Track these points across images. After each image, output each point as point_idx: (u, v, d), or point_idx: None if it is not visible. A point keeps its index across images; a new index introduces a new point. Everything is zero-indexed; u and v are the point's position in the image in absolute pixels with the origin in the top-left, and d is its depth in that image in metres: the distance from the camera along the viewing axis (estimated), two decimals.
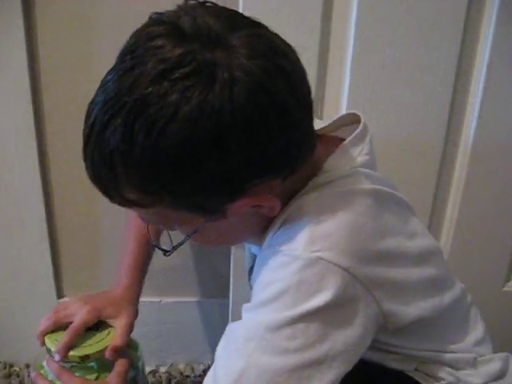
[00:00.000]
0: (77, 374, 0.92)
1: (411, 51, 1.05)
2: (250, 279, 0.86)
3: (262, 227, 0.69)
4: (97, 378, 0.94)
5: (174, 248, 0.71)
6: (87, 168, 0.61)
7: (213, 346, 1.39)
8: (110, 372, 0.94)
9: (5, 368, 1.38)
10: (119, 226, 1.17)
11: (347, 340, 0.61)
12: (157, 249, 0.76)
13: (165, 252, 0.72)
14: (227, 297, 1.25)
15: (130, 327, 0.90)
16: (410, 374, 0.74)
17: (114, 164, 0.57)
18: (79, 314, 0.86)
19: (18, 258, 1.29)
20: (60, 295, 1.34)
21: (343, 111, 1.06)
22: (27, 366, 1.39)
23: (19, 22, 1.05)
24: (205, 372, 1.38)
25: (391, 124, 1.10)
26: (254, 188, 0.59)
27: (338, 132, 0.77)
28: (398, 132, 1.11)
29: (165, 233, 0.84)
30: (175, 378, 1.38)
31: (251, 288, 0.85)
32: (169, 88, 0.53)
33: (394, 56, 1.05)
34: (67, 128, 1.16)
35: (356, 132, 0.71)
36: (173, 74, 0.53)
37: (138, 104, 0.54)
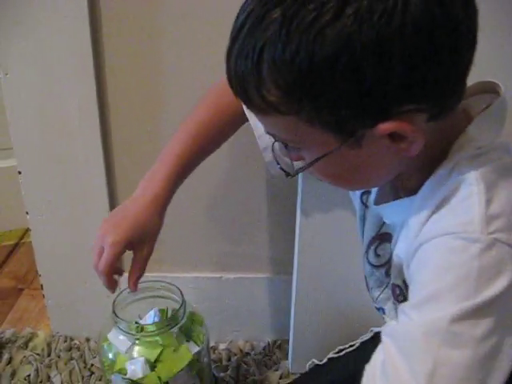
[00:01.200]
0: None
1: None
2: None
3: (393, 175, 0.66)
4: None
5: (297, 172, 0.65)
6: (230, 67, 0.58)
7: (274, 324, 1.37)
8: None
9: (65, 341, 1.39)
10: (179, 201, 1.16)
11: None
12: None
13: (287, 174, 0.67)
14: (290, 273, 1.22)
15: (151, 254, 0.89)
16: None
17: (263, 59, 0.54)
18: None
19: (79, 233, 1.29)
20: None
21: None
22: (87, 339, 1.40)
23: None
24: (265, 349, 1.36)
25: None
26: (400, 114, 0.55)
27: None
28: None
29: None
30: (235, 354, 1.36)
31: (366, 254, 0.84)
32: None
33: None
34: (131, 111, 1.15)
35: (495, 103, 0.65)
36: None
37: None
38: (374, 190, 0.80)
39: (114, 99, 1.16)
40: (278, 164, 0.69)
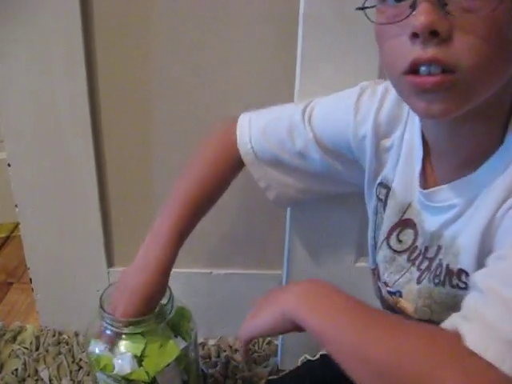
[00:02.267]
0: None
1: None
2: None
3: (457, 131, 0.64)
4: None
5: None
6: None
7: None
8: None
9: (54, 336, 1.39)
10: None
11: None
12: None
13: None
14: (280, 269, 1.21)
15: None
16: None
17: None
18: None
19: (69, 227, 1.28)
20: (110, 264, 1.33)
21: None
22: (76, 334, 1.39)
23: None
24: (254, 346, 1.36)
25: None
26: None
27: None
28: None
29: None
30: (224, 351, 1.36)
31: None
32: None
33: None
34: (121, 102, 1.15)
35: None
36: None
37: None
38: (399, 179, 0.80)
39: (105, 93, 1.15)
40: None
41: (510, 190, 0.61)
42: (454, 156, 0.70)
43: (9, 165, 1.21)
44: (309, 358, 1.02)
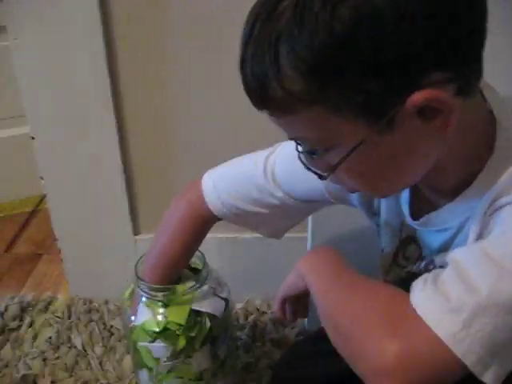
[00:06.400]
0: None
1: None
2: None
3: (428, 167, 0.63)
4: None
5: (330, 172, 0.63)
6: (246, 73, 0.58)
7: None
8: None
9: (84, 304, 1.41)
10: (194, 162, 1.15)
11: None
12: None
13: (320, 176, 0.65)
14: (305, 231, 1.22)
15: None
16: None
17: (281, 49, 0.54)
18: None
19: (94, 197, 1.30)
20: (137, 232, 1.35)
21: None
22: (106, 302, 1.42)
23: None
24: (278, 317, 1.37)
25: None
26: (429, 86, 0.54)
27: None
28: None
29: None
30: (252, 314, 1.38)
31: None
32: None
33: None
34: (141, 69, 1.15)
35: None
36: None
37: None
38: (385, 209, 0.81)
39: (123, 61, 1.15)
40: (309, 169, 0.66)
41: (491, 202, 0.61)
42: (435, 187, 0.71)
43: (32, 138, 1.22)
44: None
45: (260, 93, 0.58)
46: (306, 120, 0.58)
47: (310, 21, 0.51)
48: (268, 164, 0.87)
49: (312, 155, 0.64)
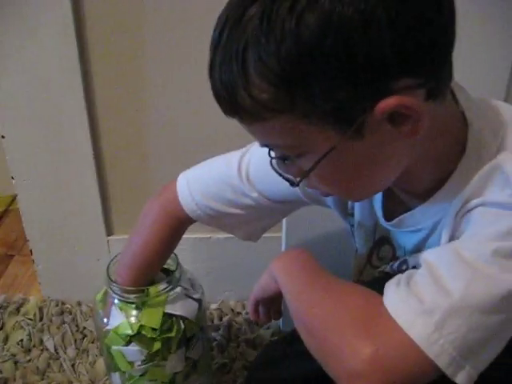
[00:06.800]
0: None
1: None
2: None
3: (399, 171, 0.63)
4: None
5: (300, 180, 0.63)
6: (214, 78, 0.57)
7: None
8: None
9: (57, 306, 1.40)
10: (169, 163, 1.15)
11: None
12: None
13: (292, 183, 0.65)
14: (279, 232, 1.22)
15: None
16: None
17: (248, 57, 0.53)
18: None
19: (66, 197, 1.28)
20: (109, 233, 1.33)
21: None
22: (79, 303, 1.40)
23: None
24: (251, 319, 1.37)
25: None
26: (398, 92, 0.54)
27: None
28: None
29: None
30: (226, 314, 1.37)
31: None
32: None
33: None
34: (112, 61, 1.13)
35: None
36: None
37: None
38: (358, 210, 0.82)
39: (96, 60, 1.14)
40: (281, 175, 0.66)
41: (465, 202, 0.61)
42: (408, 189, 0.71)
43: (2, 136, 1.20)
44: None
45: (229, 100, 0.57)
46: (275, 127, 0.58)
47: (276, 29, 0.51)
48: (242, 163, 0.87)
49: (284, 161, 0.64)
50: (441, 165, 0.64)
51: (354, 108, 0.54)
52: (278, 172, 0.66)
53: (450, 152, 0.63)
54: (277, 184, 0.80)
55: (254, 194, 0.86)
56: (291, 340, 0.90)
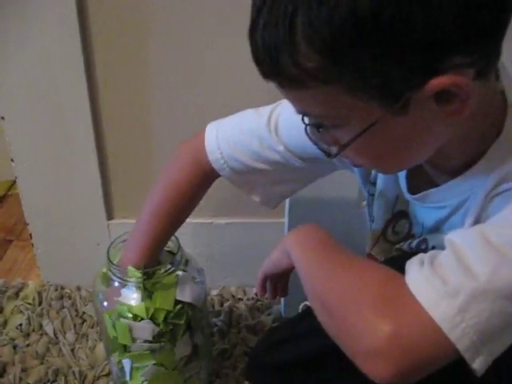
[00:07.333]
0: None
1: None
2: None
3: (435, 148, 0.62)
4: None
5: (340, 151, 0.61)
6: (256, 41, 0.54)
7: None
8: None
9: (56, 290, 1.39)
10: (170, 147, 1.13)
11: None
12: None
13: (328, 154, 0.63)
14: (282, 217, 1.21)
15: None
16: None
17: (297, 22, 0.50)
18: None
19: (67, 181, 1.27)
20: (110, 217, 1.32)
21: None
22: (78, 288, 1.39)
23: None
24: (257, 294, 1.36)
25: None
26: (449, 70, 0.52)
27: None
28: None
29: None
30: (227, 300, 1.37)
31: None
32: None
33: None
34: (116, 52, 1.12)
35: None
36: None
37: None
38: (382, 180, 0.80)
39: (99, 45, 1.12)
40: (316, 145, 0.65)
41: (496, 184, 0.60)
42: (438, 165, 0.70)
43: (2, 118, 1.19)
44: (308, 304, 1.02)
45: (270, 64, 0.55)
46: (317, 97, 0.56)
47: None
48: (272, 116, 0.85)
49: (318, 129, 0.62)
50: (477, 143, 0.62)
51: (403, 85, 0.53)
52: (313, 141, 0.65)
53: (487, 131, 0.62)
54: (305, 140, 0.79)
55: (280, 148, 0.84)
56: (290, 326, 0.89)
